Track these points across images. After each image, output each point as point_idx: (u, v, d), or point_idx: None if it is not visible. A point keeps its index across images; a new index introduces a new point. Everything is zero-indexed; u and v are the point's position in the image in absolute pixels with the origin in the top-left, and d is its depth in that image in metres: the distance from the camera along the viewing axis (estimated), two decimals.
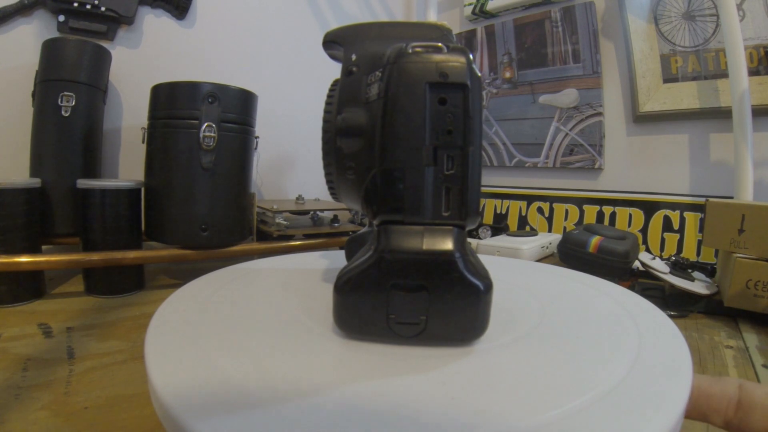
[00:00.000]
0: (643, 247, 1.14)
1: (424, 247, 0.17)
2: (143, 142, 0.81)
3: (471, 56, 0.17)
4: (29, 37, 0.86)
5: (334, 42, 0.24)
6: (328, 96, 0.22)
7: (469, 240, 0.19)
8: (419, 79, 0.17)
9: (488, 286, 0.17)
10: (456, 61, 0.17)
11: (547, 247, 1.12)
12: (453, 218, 0.17)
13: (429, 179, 0.17)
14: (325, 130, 0.22)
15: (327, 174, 0.23)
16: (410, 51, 0.17)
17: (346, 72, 0.21)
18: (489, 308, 0.18)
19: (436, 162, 0.17)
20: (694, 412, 0.18)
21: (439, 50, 0.17)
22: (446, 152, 0.17)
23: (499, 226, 1.31)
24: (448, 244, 0.17)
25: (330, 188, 0.23)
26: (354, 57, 0.21)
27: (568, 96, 1.29)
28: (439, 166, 0.17)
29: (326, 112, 0.22)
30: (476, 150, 0.17)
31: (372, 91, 0.19)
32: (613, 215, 1.21)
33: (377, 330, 0.18)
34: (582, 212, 1.27)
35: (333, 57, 0.25)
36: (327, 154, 0.22)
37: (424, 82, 0.17)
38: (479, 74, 0.17)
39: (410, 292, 0.17)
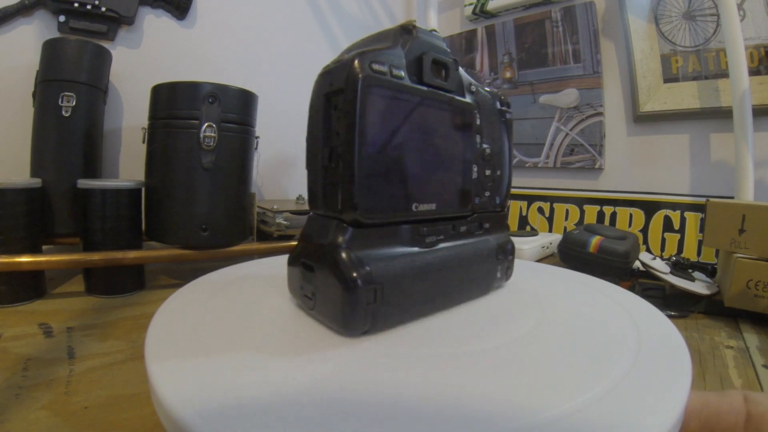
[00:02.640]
0: (643, 247, 1.14)
1: (315, 237, 0.20)
2: (143, 142, 0.81)
3: (360, 60, 0.18)
4: (30, 37, 0.86)
5: None
6: None
7: None
8: (320, 92, 0.20)
9: (353, 284, 0.18)
10: (341, 68, 0.19)
11: (548, 247, 1.12)
12: (343, 213, 0.19)
13: (325, 178, 0.20)
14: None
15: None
16: (322, 70, 0.20)
17: None
18: (355, 308, 0.18)
19: (330, 162, 0.19)
20: None
21: (337, 63, 0.19)
22: (337, 152, 0.19)
23: None
24: (332, 237, 0.19)
25: None
26: None
27: (569, 96, 1.29)
28: (334, 166, 0.19)
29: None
30: (363, 148, 0.18)
31: None
32: (613, 215, 1.21)
33: (300, 298, 0.22)
34: (582, 212, 1.27)
35: None
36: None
37: (322, 94, 0.20)
38: (369, 73, 0.18)
39: (306, 270, 0.20)
